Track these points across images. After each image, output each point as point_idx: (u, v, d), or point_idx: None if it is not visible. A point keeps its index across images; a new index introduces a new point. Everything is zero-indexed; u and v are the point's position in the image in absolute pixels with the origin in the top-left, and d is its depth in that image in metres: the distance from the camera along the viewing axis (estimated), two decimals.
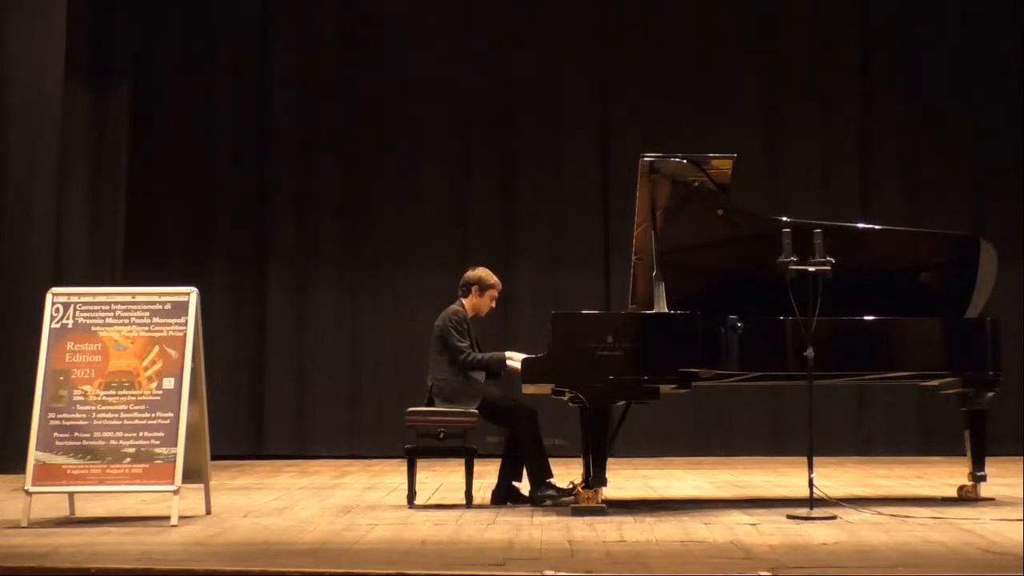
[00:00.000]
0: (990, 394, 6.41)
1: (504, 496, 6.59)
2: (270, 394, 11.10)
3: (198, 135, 11.26)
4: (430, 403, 6.55)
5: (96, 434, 5.79)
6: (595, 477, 5.94)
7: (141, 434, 5.79)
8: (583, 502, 5.92)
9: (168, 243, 11.07)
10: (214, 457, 6.56)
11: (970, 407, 6.45)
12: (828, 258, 5.81)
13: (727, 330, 6.04)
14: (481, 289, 6.76)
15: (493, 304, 6.86)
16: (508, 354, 6.52)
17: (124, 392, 5.85)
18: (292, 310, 11.21)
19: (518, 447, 6.59)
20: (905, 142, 11.28)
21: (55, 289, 6.09)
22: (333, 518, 5.91)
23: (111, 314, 5.98)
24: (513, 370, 6.39)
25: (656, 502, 6.74)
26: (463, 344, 6.54)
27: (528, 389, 6.40)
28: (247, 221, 11.25)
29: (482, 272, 6.81)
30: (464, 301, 6.75)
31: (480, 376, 6.59)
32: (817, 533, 5.16)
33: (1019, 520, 5.43)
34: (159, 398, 5.85)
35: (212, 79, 11.30)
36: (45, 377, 5.85)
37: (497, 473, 6.68)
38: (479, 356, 6.54)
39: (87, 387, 5.86)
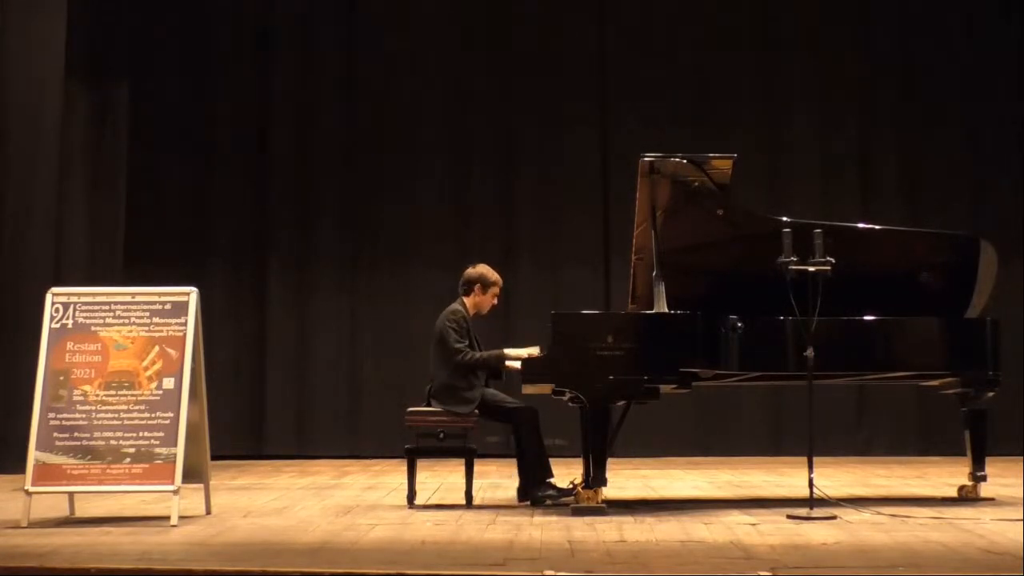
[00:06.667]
0: (990, 394, 6.41)
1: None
2: (270, 394, 11.10)
3: (198, 135, 11.26)
4: (428, 404, 6.53)
5: (96, 434, 5.79)
6: (595, 477, 5.94)
7: (141, 434, 5.79)
8: (583, 502, 5.92)
9: (168, 243, 11.06)
10: (214, 457, 6.56)
11: (970, 407, 6.45)
12: (828, 258, 5.81)
13: (727, 330, 6.03)
14: (484, 287, 6.74)
15: (495, 301, 6.84)
16: (507, 351, 6.51)
17: (124, 392, 5.85)
18: (292, 310, 11.21)
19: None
20: (905, 142, 11.28)
21: (55, 289, 6.09)
22: (333, 518, 5.91)
23: (111, 314, 5.98)
24: (512, 368, 6.38)
25: (656, 502, 6.74)
26: (461, 344, 6.52)
27: (528, 389, 6.39)
28: (247, 221, 11.26)
29: (483, 269, 6.79)
30: (465, 300, 6.73)
31: (480, 378, 6.56)
32: (817, 533, 5.16)
33: (1019, 520, 5.43)
34: (159, 398, 5.85)
35: (212, 79, 11.30)
36: (45, 377, 5.85)
37: (516, 472, 6.63)
38: (477, 355, 6.52)
39: (87, 387, 5.86)
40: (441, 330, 6.57)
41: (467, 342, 6.55)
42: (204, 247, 11.14)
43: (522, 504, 6.43)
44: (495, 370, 6.58)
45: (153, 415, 5.82)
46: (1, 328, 9.05)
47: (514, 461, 6.63)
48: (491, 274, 6.78)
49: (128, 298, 6.04)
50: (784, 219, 6.24)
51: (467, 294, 6.75)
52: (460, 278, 6.80)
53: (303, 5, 11.47)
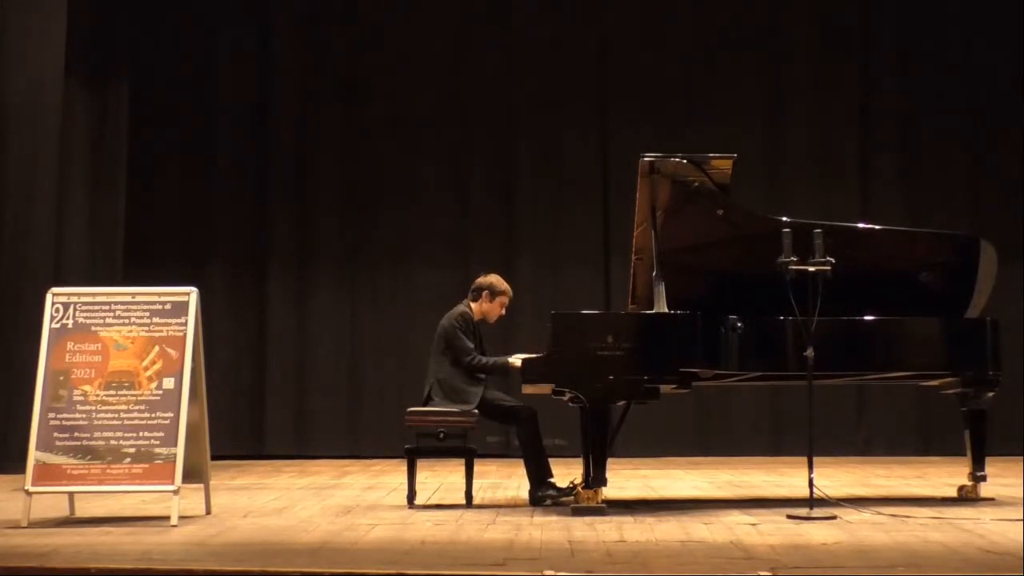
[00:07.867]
0: (990, 394, 6.41)
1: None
2: (270, 394, 11.10)
3: (198, 135, 11.26)
4: (427, 402, 6.53)
5: (96, 434, 5.78)
6: (595, 477, 5.94)
7: (141, 434, 5.79)
8: (583, 502, 5.92)
9: (168, 243, 11.07)
10: (214, 457, 6.56)
11: (970, 407, 6.45)
12: (828, 258, 5.81)
13: (727, 330, 6.03)
14: (492, 295, 6.76)
15: (503, 311, 6.85)
16: (512, 359, 6.48)
17: (124, 392, 5.85)
18: (292, 310, 11.21)
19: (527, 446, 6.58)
20: (905, 142, 11.28)
21: (55, 289, 6.09)
22: (333, 518, 5.91)
23: (111, 314, 5.98)
24: (514, 368, 6.37)
25: (656, 502, 6.74)
26: (470, 346, 6.53)
27: (528, 389, 6.40)
28: (247, 221, 11.25)
29: (494, 279, 6.82)
30: (473, 304, 6.74)
31: (483, 378, 6.56)
32: (817, 533, 5.16)
33: (1019, 520, 5.43)
34: (159, 398, 5.85)
35: (212, 79, 11.31)
36: (45, 377, 5.85)
37: (524, 472, 6.64)
38: (485, 360, 6.53)
39: (87, 387, 5.86)
40: (447, 330, 6.58)
41: (474, 345, 6.56)
42: (204, 247, 11.14)
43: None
44: (500, 375, 6.58)
45: (153, 415, 5.82)
46: (1, 328, 9.05)
47: (514, 461, 6.63)
48: (500, 283, 6.80)
49: (128, 298, 6.04)
50: (784, 219, 6.24)
51: (475, 300, 6.77)
52: (462, 281, 6.80)
53: (303, 5, 11.48)
